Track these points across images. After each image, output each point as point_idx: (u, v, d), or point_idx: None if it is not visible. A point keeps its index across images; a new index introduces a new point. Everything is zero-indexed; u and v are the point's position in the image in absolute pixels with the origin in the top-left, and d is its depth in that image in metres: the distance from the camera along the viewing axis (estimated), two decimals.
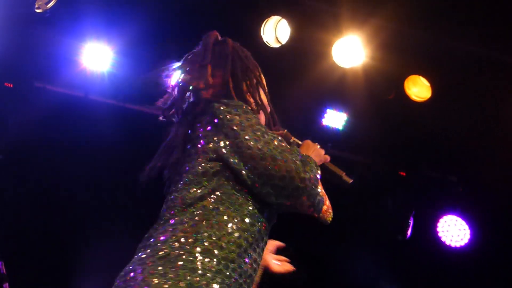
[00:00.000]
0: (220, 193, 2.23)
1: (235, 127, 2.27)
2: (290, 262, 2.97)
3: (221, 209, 2.20)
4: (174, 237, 2.13)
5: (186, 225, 2.16)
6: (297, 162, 2.25)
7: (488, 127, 5.44)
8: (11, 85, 5.24)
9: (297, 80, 5.38)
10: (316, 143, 2.51)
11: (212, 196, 2.22)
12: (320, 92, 5.59)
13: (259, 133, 2.26)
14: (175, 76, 2.59)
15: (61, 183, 5.84)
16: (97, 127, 5.46)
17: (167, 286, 2.00)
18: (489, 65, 5.15)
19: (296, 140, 2.52)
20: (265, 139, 2.25)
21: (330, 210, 2.42)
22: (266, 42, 5.07)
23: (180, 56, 2.66)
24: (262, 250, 2.29)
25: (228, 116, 2.29)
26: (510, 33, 4.85)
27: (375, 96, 5.41)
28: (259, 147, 2.22)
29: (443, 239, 6.15)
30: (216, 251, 2.11)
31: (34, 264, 5.76)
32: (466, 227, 6.14)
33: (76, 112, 5.50)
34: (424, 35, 5.08)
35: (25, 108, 5.32)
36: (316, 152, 2.46)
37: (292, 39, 5.01)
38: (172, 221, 2.20)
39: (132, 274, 2.09)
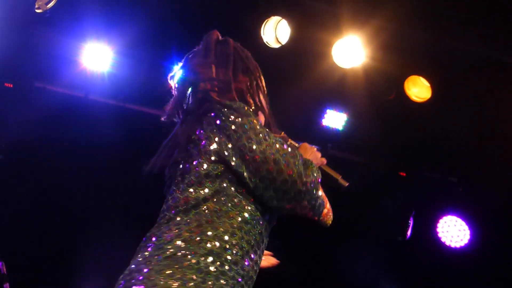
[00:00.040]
0: (223, 195, 2.24)
1: (237, 130, 2.26)
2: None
3: (224, 211, 2.21)
4: (179, 237, 2.14)
5: (191, 225, 2.17)
6: (299, 165, 2.25)
7: (488, 128, 5.44)
8: (11, 85, 5.23)
9: (297, 81, 5.38)
10: (313, 146, 2.52)
11: (215, 198, 2.23)
12: (320, 93, 5.59)
13: (261, 136, 2.26)
14: (177, 76, 2.59)
15: (61, 183, 5.84)
16: (97, 127, 5.46)
17: (175, 286, 2.01)
18: (489, 66, 5.15)
19: (293, 142, 2.52)
20: (267, 142, 2.25)
21: (330, 213, 2.43)
22: (266, 42, 5.07)
23: (180, 56, 2.66)
24: (262, 251, 2.31)
25: (230, 118, 2.29)
26: (510, 33, 4.85)
27: (375, 96, 5.41)
28: (262, 150, 2.23)
29: (443, 239, 6.15)
30: (221, 253, 2.13)
31: (34, 264, 5.76)
32: (466, 227, 6.14)
33: (76, 112, 5.50)
34: (424, 36, 5.08)
35: (25, 108, 5.32)
36: (313, 155, 2.46)
37: (292, 39, 5.01)
38: (176, 221, 2.20)
39: (137, 273, 2.09)
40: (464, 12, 4.78)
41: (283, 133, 2.54)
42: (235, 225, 2.20)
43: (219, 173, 2.25)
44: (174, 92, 2.57)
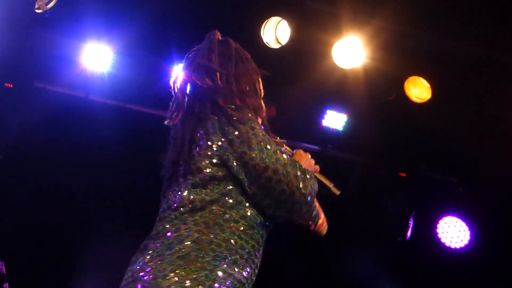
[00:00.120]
0: (228, 198, 2.26)
1: (240, 136, 2.28)
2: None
3: (229, 214, 2.24)
4: (190, 238, 2.16)
5: (199, 226, 2.19)
6: (298, 176, 2.27)
7: (488, 128, 5.44)
8: (11, 85, 5.23)
9: (297, 81, 5.39)
10: (308, 153, 2.51)
11: (221, 201, 2.25)
12: (320, 93, 5.59)
13: (263, 144, 2.28)
14: (179, 76, 2.58)
15: (61, 183, 5.84)
16: (97, 128, 5.45)
17: (188, 284, 2.04)
18: (489, 66, 5.15)
19: (288, 149, 2.52)
20: (268, 150, 2.27)
21: (325, 224, 2.46)
22: (266, 43, 5.07)
23: (181, 56, 2.66)
24: (261, 256, 2.33)
25: (234, 124, 2.30)
26: (510, 33, 4.85)
27: (375, 97, 5.41)
28: (262, 158, 2.24)
29: (443, 240, 6.15)
30: (229, 256, 2.17)
31: (34, 264, 5.76)
32: (466, 228, 6.14)
33: (76, 112, 5.50)
34: (424, 36, 5.08)
35: (25, 108, 5.32)
36: (307, 163, 2.47)
37: (292, 40, 5.01)
38: (183, 221, 2.22)
39: (149, 269, 2.11)
40: (464, 12, 4.78)
41: (278, 138, 2.54)
42: (241, 229, 2.23)
43: (223, 177, 2.27)
44: (175, 93, 2.57)
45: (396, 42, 5.07)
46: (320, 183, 2.52)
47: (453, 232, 6.14)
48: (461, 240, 6.12)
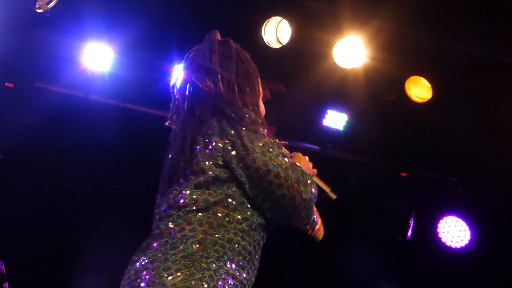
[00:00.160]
0: (232, 200, 2.26)
1: (243, 138, 2.28)
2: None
3: (232, 216, 2.25)
4: (194, 238, 2.17)
5: (203, 226, 2.20)
6: (300, 181, 2.27)
7: (489, 128, 5.44)
8: (12, 85, 5.23)
9: (298, 81, 5.39)
10: (306, 156, 2.51)
11: (224, 202, 2.25)
12: (320, 93, 5.59)
13: (266, 148, 2.28)
14: (179, 77, 2.58)
15: (61, 183, 5.84)
16: (98, 128, 5.45)
17: (193, 283, 2.06)
18: (489, 66, 5.15)
19: (286, 151, 2.51)
20: (271, 154, 2.27)
21: (322, 229, 2.48)
22: (267, 42, 5.07)
23: (181, 56, 2.65)
24: (259, 257, 2.34)
25: (237, 126, 2.30)
26: (510, 33, 4.85)
27: (376, 97, 5.41)
28: (265, 162, 2.25)
29: (443, 240, 6.15)
30: (232, 256, 2.18)
31: (34, 264, 5.76)
32: (467, 228, 6.14)
33: (77, 112, 5.50)
34: (424, 36, 5.08)
35: (25, 108, 5.31)
36: (305, 166, 2.47)
37: (293, 39, 5.00)
38: (187, 221, 2.22)
39: (153, 268, 2.12)
40: (464, 12, 4.78)
41: (277, 140, 2.54)
42: (244, 230, 2.24)
43: (226, 178, 2.27)
44: (175, 94, 2.56)
45: (397, 42, 5.07)
46: (317, 186, 2.52)
47: (454, 231, 6.14)
48: (462, 240, 6.12)
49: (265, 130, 2.37)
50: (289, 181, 2.24)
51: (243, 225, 2.25)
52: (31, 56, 5.15)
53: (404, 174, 6.20)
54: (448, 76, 5.23)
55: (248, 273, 2.23)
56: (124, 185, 5.93)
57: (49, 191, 5.86)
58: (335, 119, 5.78)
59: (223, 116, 2.33)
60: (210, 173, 2.27)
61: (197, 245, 2.15)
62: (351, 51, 5.07)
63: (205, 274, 2.09)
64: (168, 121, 2.56)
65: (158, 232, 2.25)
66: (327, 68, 5.19)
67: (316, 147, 5.97)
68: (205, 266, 2.11)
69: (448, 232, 6.16)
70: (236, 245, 2.21)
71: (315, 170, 2.51)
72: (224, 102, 2.37)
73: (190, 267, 2.10)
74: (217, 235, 2.19)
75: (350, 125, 5.79)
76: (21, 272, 4.83)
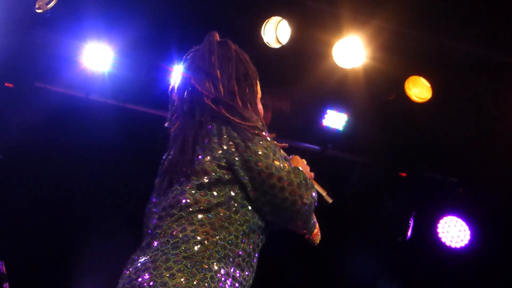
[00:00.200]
0: (234, 202, 2.27)
1: (246, 140, 2.28)
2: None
3: (234, 218, 2.25)
4: (196, 238, 2.17)
5: (205, 227, 2.20)
6: (301, 185, 2.27)
7: (489, 128, 5.44)
8: (12, 85, 5.23)
9: (298, 81, 5.39)
10: (303, 160, 2.51)
11: (226, 204, 2.25)
12: (320, 93, 5.59)
13: (269, 151, 2.28)
14: (178, 78, 2.57)
15: (61, 183, 5.84)
16: (98, 128, 5.45)
17: (195, 284, 2.07)
18: (489, 66, 5.15)
19: (284, 154, 2.52)
20: (274, 157, 2.27)
21: (319, 234, 2.48)
22: (267, 42, 5.07)
23: (181, 56, 2.65)
24: (257, 259, 2.34)
25: (241, 128, 2.30)
26: (510, 33, 4.85)
27: (376, 96, 5.41)
28: (268, 165, 2.25)
29: (443, 240, 6.15)
30: (232, 258, 2.19)
31: (34, 264, 5.76)
32: (466, 228, 6.14)
33: (77, 112, 5.50)
34: (424, 36, 5.08)
35: (25, 108, 5.31)
36: (303, 169, 2.45)
37: (292, 39, 5.01)
38: (189, 221, 2.22)
39: (154, 268, 2.12)
40: (464, 12, 4.78)
41: (275, 142, 2.54)
42: (244, 232, 2.25)
43: (229, 180, 2.27)
44: (175, 96, 2.56)
45: (397, 42, 5.07)
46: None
47: (454, 231, 6.14)
48: (462, 240, 6.12)
49: (267, 133, 2.37)
50: (292, 185, 2.25)
51: (244, 227, 2.25)
52: (31, 56, 5.15)
53: (404, 174, 6.20)
54: (448, 76, 5.23)
55: (247, 275, 2.24)
56: (124, 185, 5.93)
57: (49, 191, 5.86)
58: (335, 119, 5.78)
59: (225, 119, 2.33)
60: (213, 174, 2.27)
61: (199, 246, 2.15)
62: (351, 51, 5.08)
63: (206, 275, 2.10)
64: (167, 123, 2.55)
65: (160, 232, 2.24)
66: (327, 68, 5.19)
67: (316, 147, 5.97)
68: (207, 267, 2.12)
69: (448, 232, 6.16)
70: (236, 247, 2.21)
71: (312, 174, 2.51)
72: (224, 105, 2.37)
73: (192, 267, 2.10)
74: (218, 236, 2.19)
75: (350, 125, 5.79)
76: (21, 272, 4.83)
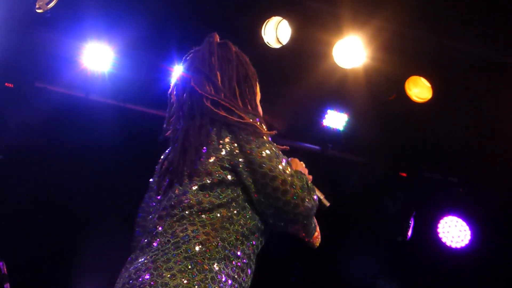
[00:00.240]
0: (235, 204, 2.27)
1: (250, 142, 2.28)
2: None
3: (235, 220, 2.26)
4: (197, 239, 2.18)
5: (206, 228, 2.21)
6: (304, 189, 2.28)
7: (489, 128, 5.44)
8: (12, 85, 5.23)
9: (298, 81, 5.38)
10: (302, 162, 2.51)
11: (228, 205, 2.26)
12: (320, 93, 5.59)
13: (272, 153, 2.28)
14: (179, 80, 2.57)
15: (61, 183, 5.84)
16: (98, 128, 5.45)
17: (196, 284, 2.07)
18: (489, 66, 5.15)
19: (285, 156, 2.51)
20: (277, 160, 2.28)
21: (319, 237, 2.49)
22: (267, 42, 5.07)
23: (181, 56, 2.65)
24: (256, 261, 2.35)
25: (245, 130, 2.30)
26: (510, 33, 4.85)
27: (376, 97, 5.41)
28: (272, 167, 2.25)
29: (443, 240, 6.15)
30: (233, 259, 2.20)
31: (34, 264, 5.76)
32: (467, 228, 6.14)
33: (77, 112, 5.50)
34: (424, 36, 5.08)
35: (25, 108, 5.31)
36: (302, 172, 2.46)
37: (293, 39, 5.01)
38: (190, 221, 2.22)
39: (154, 268, 2.12)
40: (464, 12, 4.78)
41: (274, 144, 2.53)
42: (245, 234, 2.26)
43: (232, 182, 2.28)
44: (174, 97, 2.55)
45: (397, 42, 5.07)
46: None
47: (454, 231, 6.14)
48: (462, 240, 6.12)
49: (269, 137, 2.37)
50: (295, 188, 2.25)
51: (244, 229, 2.26)
52: (31, 56, 5.15)
53: (404, 174, 6.20)
54: (448, 76, 5.23)
55: (246, 276, 2.24)
56: (124, 185, 5.93)
57: (49, 191, 5.86)
58: (335, 119, 5.78)
59: (225, 121, 2.33)
60: (216, 175, 2.27)
61: (200, 246, 2.16)
62: (351, 51, 5.07)
63: (207, 276, 2.10)
64: (165, 124, 2.55)
65: (160, 231, 2.24)
66: (327, 68, 5.19)
67: (316, 147, 5.97)
68: (207, 267, 2.12)
69: (448, 232, 6.16)
70: (237, 248, 2.22)
71: (310, 177, 2.51)
72: (225, 107, 2.36)
73: (193, 268, 2.11)
74: (219, 237, 2.20)
75: (350, 125, 5.79)
76: (21, 272, 4.83)
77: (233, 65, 2.50)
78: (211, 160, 2.29)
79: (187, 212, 2.24)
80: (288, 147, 2.49)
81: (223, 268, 2.15)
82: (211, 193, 2.26)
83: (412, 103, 5.34)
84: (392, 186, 6.21)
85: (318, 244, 2.50)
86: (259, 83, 2.59)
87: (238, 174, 2.27)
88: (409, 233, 6.03)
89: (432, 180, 6.19)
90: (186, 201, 2.26)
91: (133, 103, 5.56)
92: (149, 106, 5.51)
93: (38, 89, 5.36)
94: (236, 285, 2.18)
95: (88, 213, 5.94)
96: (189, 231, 2.19)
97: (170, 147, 2.52)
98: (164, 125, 2.55)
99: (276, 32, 5.06)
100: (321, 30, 5.04)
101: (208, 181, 2.27)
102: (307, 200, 2.28)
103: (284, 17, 5.01)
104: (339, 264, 6.51)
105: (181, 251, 2.14)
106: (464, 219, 6.15)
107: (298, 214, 2.27)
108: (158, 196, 2.41)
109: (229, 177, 2.27)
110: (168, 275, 2.08)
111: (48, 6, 4.52)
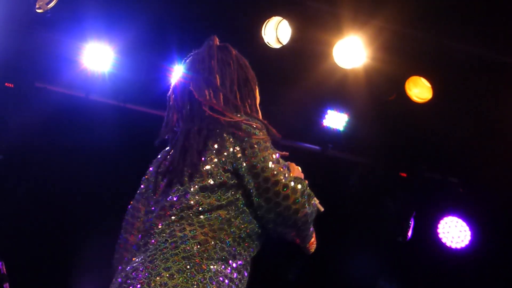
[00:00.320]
0: (235, 207, 2.27)
1: (253, 146, 2.28)
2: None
3: (233, 222, 2.26)
4: (195, 238, 2.18)
5: (204, 229, 2.21)
6: (304, 195, 2.28)
7: (489, 128, 5.44)
8: (12, 85, 5.23)
9: (298, 81, 5.38)
10: (299, 167, 2.50)
11: (227, 207, 2.26)
12: (321, 93, 5.59)
13: (274, 157, 2.28)
14: (178, 83, 2.56)
15: (61, 183, 5.84)
16: (98, 128, 5.46)
17: (195, 284, 2.08)
18: (489, 66, 5.15)
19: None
20: (279, 165, 2.28)
21: (315, 243, 2.50)
22: (267, 42, 5.07)
23: (181, 56, 2.65)
24: (251, 264, 2.36)
25: (247, 133, 2.30)
26: (510, 33, 4.85)
27: (376, 97, 5.41)
28: (275, 173, 2.24)
29: (443, 240, 6.15)
30: (230, 260, 2.21)
31: (34, 264, 5.76)
32: (467, 228, 6.13)
33: (77, 112, 5.50)
34: (425, 36, 5.08)
35: (25, 108, 5.31)
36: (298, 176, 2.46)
37: (293, 39, 5.01)
38: (188, 222, 2.23)
39: (153, 268, 2.12)
40: (464, 12, 4.78)
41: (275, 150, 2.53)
42: (242, 236, 2.26)
43: (233, 185, 2.28)
44: (173, 100, 2.55)
45: (397, 42, 5.07)
46: None
47: (454, 232, 6.14)
48: (462, 240, 6.12)
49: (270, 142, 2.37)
50: (296, 194, 2.25)
51: (241, 231, 2.26)
52: (31, 56, 5.15)
53: (404, 174, 6.19)
54: (448, 76, 5.23)
55: (243, 277, 2.25)
56: (124, 185, 5.91)
57: (49, 191, 5.86)
58: (335, 119, 5.77)
59: (224, 126, 2.32)
60: (218, 177, 2.27)
61: (198, 246, 2.17)
62: (351, 51, 5.07)
63: (205, 276, 2.11)
64: (164, 126, 2.54)
65: (157, 231, 2.25)
66: (327, 68, 5.19)
67: (317, 147, 5.97)
68: (205, 268, 2.13)
69: (448, 232, 6.16)
70: (234, 250, 2.23)
71: (306, 181, 2.51)
72: (223, 112, 2.36)
73: (191, 268, 2.11)
74: (217, 238, 2.21)
75: (350, 125, 5.79)
76: (21, 272, 4.83)
77: (233, 68, 2.50)
78: (213, 162, 2.29)
79: (186, 212, 2.24)
80: (288, 153, 2.48)
81: (220, 269, 2.16)
82: (211, 195, 2.26)
83: (412, 103, 5.34)
84: (392, 186, 6.21)
85: (313, 250, 2.50)
86: (259, 84, 2.60)
87: (239, 177, 2.27)
88: (409, 233, 6.03)
89: (432, 180, 6.19)
90: (185, 201, 2.26)
91: (133, 103, 5.56)
92: (150, 106, 5.51)
93: (38, 89, 5.36)
94: (233, 286, 2.18)
95: (88, 213, 5.94)
96: (187, 231, 2.20)
97: (167, 148, 2.52)
98: (163, 127, 2.55)
99: (276, 32, 5.06)
100: (321, 30, 5.04)
101: (210, 183, 2.27)
102: (307, 206, 2.28)
103: (284, 17, 5.01)
104: (339, 264, 6.50)
105: (179, 251, 2.15)
106: (464, 219, 6.15)
107: (297, 219, 2.27)
108: (155, 196, 2.41)
109: (230, 180, 2.27)
110: (167, 275, 2.08)
111: (48, 6, 4.53)
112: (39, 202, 5.82)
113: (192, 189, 2.28)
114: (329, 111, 5.77)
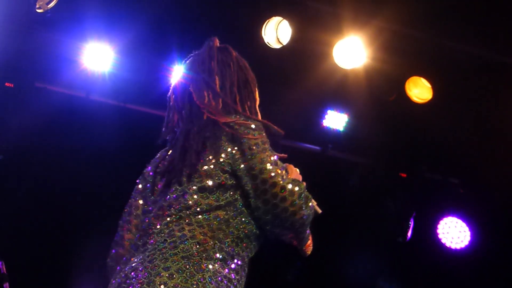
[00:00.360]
0: (233, 207, 2.28)
1: (252, 147, 2.28)
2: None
3: (232, 222, 2.26)
4: (194, 238, 2.19)
5: (203, 229, 2.22)
6: (302, 197, 2.27)
7: (489, 128, 5.44)
8: (12, 85, 5.23)
9: (298, 81, 5.38)
10: (297, 169, 2.50)
11: (226, 208, 2.27)
12: (321, 93, 5.59)
13: (272, 159, 2.28)
14: (178, 84, 2.56)
15: (62, 183, 5.84)
16: (98, 128, 5.45)
17: (194, 284, 2.08)
18: (489, 66, 5.15)
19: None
20: (277, 166, 2.28)
21: (311, 246, 2.49)
22: (267, 43, 5.07)
23: (181, 56, 2.65)
24: (248, 265, 2.36)
25: (246, 135, 2.30)
26: (510, 33, 4.85)
27: (376, 97, 5.41)
28: (273, 174, 2.24)
29: (443, 241, 6.15)
30: (228, 260, 2.21)
31: (34, 264, 5.76)
32: (467, 229, 6.13)
33: (77, 112, 5.49)
34: (425, 37, 5.08)
35: (25, 108, 5.31)
36: (297, 179, 2.46)
37: (293, 40, 5.01)
38: (187, 222, 2.23)
39: (152, 267, 2.12)
40: (464, 12, 4.78)
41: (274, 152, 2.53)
42: (240, 237, 2.26)
43: (231, 185, 2.28)
44: (173, 101, 2.55)
45: (397, 43, 5.07)
46: None
47: (454, 232, 6.14)
48: (462, 241, 6.12)
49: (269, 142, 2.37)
50: (293, 196, 2.24)
51: (239, 232, 2.27)
52: (31, 56, 5.14)
53: (404, 175, 6.19)
54: (448, 77, 5.23)
55: (241, 278, 2.25)
56: (124, 185, 5.91)
57: (49, 191, 5.86)
58: (336, 120, 5.77)
59: (227, 127, 2.32)
60: (216, 178, 2.27)
61: (197, 246, 2.17)
62: (352, 51, 5.08)
63: (205, 276, 2.11)
64: (164, 127, 2.54)
65: (156, 231, 2.25)
66: (327, 68, 5.19)
67: (317, 148, 5.97)
68: (205, 267, 2.13)
69: (448, 233, 6.16)
70: (232, 250, 2.23)
71: (304, 183, 2.51)
72: (222, 115, 2.36)
73: (190, 268, 2.11)
74: (215, 238, 2.21)
75: (350, 126, 5.78)
76: (21, 272, 4.83)
77: (233, 70, 2.50)
78: (212, 162, 2.29)
79: (184, 212, 2.24)
80: (286, 155, 2.48)
81: (219, 269, 2.16)
82: (210, 195, 2.26)
83: (412, 104, 5.34)
84: (392, 186, 6.21)
85: (309, 253, 2.50)
86: (259, 84, 2.60)
87: (238, 178, 2.27)
88: (409, 233, 6.03)
89: (432, 180, 6.19)
90: (184, 201, 2.26)
91: (133, 103, 5.56)
92: (150, 106, 5.51)
93: (38, 89, 5.35)
94: (231, 286, 2.19)
95: (88, 213, 5.94)
96: (186, 231, 2.20)
97: (165, 148, 2.52)
98: (164, 128, 2.55)
99: (277, 32, 5.06)
100: (321, 30, 5.05)
101: (208, 183, 2.27)
102: (304, 208, 2.27)
103: (284, 17, 5.01)
104: (339, 264, 6.50)
105: (178, 251, 2.15)
106: (464, 220, 6.15)
107: (295, 221, 2.27)
108: (152, 196, 2.41)
109: (229, 180, 2.27)
110: (166, 275, 2.08)
111: (49, 6, 4.53)
112: (39, 202, 5.81)
113: (190, 190, 2.28)
114: (329, 111, 5.77)
